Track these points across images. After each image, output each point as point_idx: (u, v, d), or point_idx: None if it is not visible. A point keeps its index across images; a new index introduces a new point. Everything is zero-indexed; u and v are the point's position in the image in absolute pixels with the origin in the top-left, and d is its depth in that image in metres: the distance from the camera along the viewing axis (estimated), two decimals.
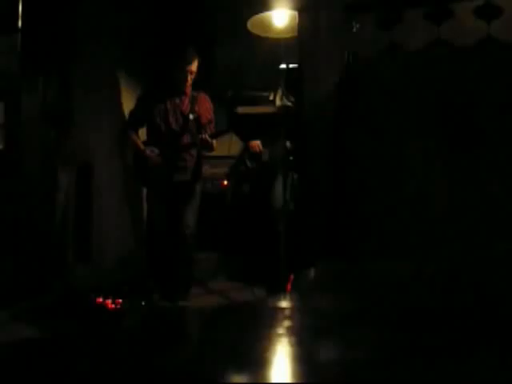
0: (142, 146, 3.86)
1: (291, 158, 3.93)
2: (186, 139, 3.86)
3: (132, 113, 4.02)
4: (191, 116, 3.85)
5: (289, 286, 3.83)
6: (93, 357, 2.83)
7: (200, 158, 3.96)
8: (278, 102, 4.02)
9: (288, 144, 3.92)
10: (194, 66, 3.81)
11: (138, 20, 4.63)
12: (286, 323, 2.85)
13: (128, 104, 4.30)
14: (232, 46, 4.95)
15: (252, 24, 3.79)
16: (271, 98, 4.09)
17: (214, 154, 4.09)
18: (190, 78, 3.83)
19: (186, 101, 3.90)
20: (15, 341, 3.03)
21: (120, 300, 3.68)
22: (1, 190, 4.06)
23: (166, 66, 3.96)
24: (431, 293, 2.42)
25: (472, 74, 2.76)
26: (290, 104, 3.86)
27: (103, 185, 4.30)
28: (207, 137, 3.77)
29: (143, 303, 3.73)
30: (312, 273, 2.93)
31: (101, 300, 3.68)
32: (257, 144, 4.13)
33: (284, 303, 3.75)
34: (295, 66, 3.59)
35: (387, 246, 2.78)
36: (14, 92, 4.09)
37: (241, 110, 4.34)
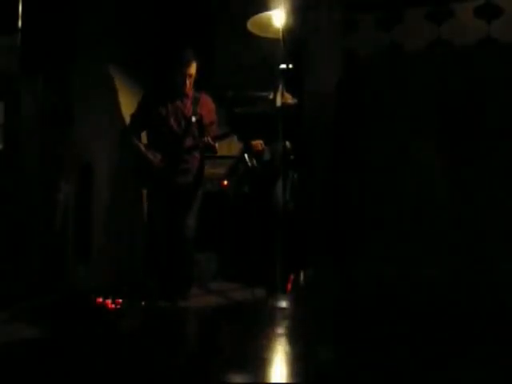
0: (144, 150, 3.84)
1: (291, 157, 3.93)
2: (189, 142, 3.85)
3: (134, 116, 3.99)
4: (193, 118, 3.83)
5: (289, 286, 3.83)
6: (93, 357, 2.83)
7: (203, 160, 3.95)
8: (278, 102, 4.01)
9: (288, 144, 3.92)
10: (193, 69, 3.78)
11: (138, 20, 4.63)
12: (286, 323, 2.85)
13: (128, 104, 4.29)
14: (232, 46, 4.95)
15: (252, 24, 3.79)
16: (271, 97, 4.09)
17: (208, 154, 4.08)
18: (189, 82, 3.80)
19: (188, 103, 3.88)
20: (15, 341, 3.03)
21: (120, 300, 3.68)
22: (1, 190, 4.06)
23: (165, 68, 3.94)
24: (431, 294, 2.42)
25: (472, 74, 2.76)
26: (292, 102, 3.86)
27: (103, 185, 4.29)
28: (210, 140, 3.76)
29: (143, 303, 3.73)
30: (311, 273, 2.93)
31: (101, 300, 3.68)
32: (259, 143, 4.13)
33: (284, 303, 3.75)
34: (295, 66, 3.58)
35: (387, 247, 2.78)
36: (13, 92, 4.09)
37: (241, 110, 4.33)
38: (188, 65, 3.75)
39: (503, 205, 2.62)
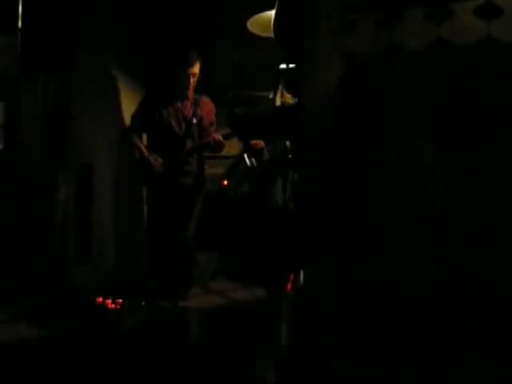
0: (145, 152, 3.86)
1: (290, 156, 3.93)
2: (189, 143, 3.87)
3: (134, 117, 4.00)
4: (194, 120, 3.86)
5: (289, 286, 3.83)
6: (93, 357, 2.84)
7: (203, 161, 3.96)
8: (278, 102, 4.02)
9: (287, 143, 3.92)
10: (196, 68, 3.81)
11: (139, 20, 4.63)
12: (286, 323, 2.85)
13: (128, 105, 4.28)
14: (232, 46, 4.95)
15: (252, 24, 3.80)
16: (271, 97, 4.09)
17: (213, 153, 4.09)
18: (192, 81, 3.83)
19: (189, 104, 3.90)
20: (15, 341, 3.03)
21: (120, 300, 3.68)
22: (1, 190, 4.06)
23: (168, 69, 3.96)
24: (429, 294, 2.42)
25: (472, 74, 2.76)
26: (292, 102, 3.86)
27: (103, 185, 4.29)
28: (220, 137, 3.78)
29: (143, 303, 3.73)
30: (311, 273, 2.93)
31: (101, 300, 3.69)
32: (259, 142, 4.14)
33: (284, 303, 3.75)
34: (295, 66, 3.59)
35: (386, 247, 2.78)
36: (14, 92, 4.10)
37: (241, 110, 4.34)
38: (192, 64, 3.78)
39: (504, 206, 2.62)
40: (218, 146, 3.85)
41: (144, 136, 4.06)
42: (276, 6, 3.35)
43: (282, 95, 4.01)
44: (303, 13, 3.06)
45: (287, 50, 3.52)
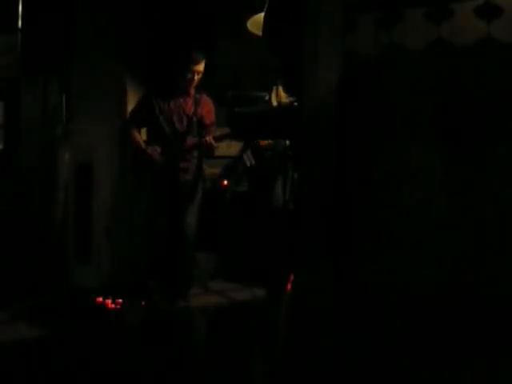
0: (143, 145, 3.88)
1: (289, 152, 3.93)
2: (189, 140, 3.89)
3: (134, 111, 4.03)
4: (194, 118, 3.89)
5: (289, 286, 3.83)
6: (93, 357, 2.84)
7: (202, 158, 3.97)
8: (274, 102, 4.03)
9: (288, 143, 3.92)
10: (201, 67, 3.85)
11: (139, 20, 4.63)
12: (285, 323, 2.84)
13: (129, 104, 4.29)
14: (232, 45, 4.95)
15: (252, 24, 3.80)
16: (267, 97, 4.10)
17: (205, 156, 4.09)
18: (196, 79, 3.87)
19: (190, 102, 3.93)
20: (15, 341, 3.03)
21: (120, 300, 3.68)
22: (1, 190, 4.07)
23: (172, 65, 3.97)
24: (431, 295, 2.42)
25: (472, 74, 2.76)
26: (288, 101, 3.87)
27: (103, 185, 4.30)
28: (211, 139, 3.80)
29: (143, 303, 3.73)
30: (310, 273, 2.93)
31: (101, 300, 3.69)
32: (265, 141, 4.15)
33: (284, 303, 3.75)
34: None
35: (386, 248, 2.78)
36: (14, 92, 4.10)
37: (241, 109, 4.34)
38: (199, 62, 3.82)
39: (505, 207, 2.62)
40: (209, 149, 3.87)
41: (143, 133, 4.07)
42: (265, 8, 3.35)
43: (277, 95, 4.02)
44: (292, 15, 3.06)
45: (275, 51, 3.52)
